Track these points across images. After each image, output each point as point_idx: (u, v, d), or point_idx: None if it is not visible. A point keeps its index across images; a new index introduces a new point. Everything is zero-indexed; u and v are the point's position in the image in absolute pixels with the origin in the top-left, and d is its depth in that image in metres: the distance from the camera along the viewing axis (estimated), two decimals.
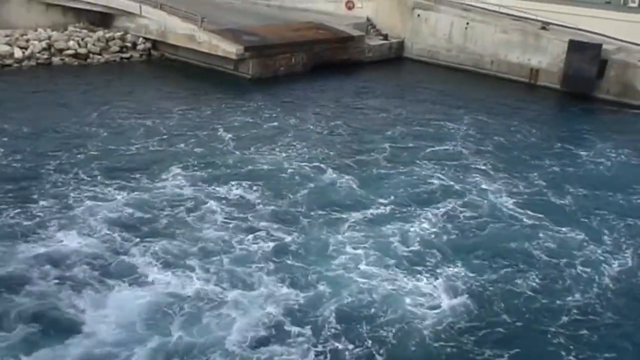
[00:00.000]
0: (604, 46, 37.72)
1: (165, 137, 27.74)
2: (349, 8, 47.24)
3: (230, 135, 28.44)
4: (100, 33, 40.78)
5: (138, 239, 19.22)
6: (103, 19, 42.58)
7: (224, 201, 22.10)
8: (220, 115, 31.12)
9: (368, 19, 46.44)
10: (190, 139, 27.68)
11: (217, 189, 23.03)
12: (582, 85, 37.91)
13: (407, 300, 17.06)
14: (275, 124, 30.56)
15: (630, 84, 37.10)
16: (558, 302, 17.44)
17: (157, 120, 29.76)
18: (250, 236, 19.86)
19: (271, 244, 19.48)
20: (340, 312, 16.36)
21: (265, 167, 25.32)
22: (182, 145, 26.93)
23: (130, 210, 20.95)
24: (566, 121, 35.18)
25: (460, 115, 33.75)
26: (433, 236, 20.61)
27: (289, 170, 25.11)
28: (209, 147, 27.06)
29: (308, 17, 45.11)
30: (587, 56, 37.60)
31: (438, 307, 16.89)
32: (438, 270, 18.57)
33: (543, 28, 40.95)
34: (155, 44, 41.12)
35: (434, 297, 17.26)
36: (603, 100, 37.55)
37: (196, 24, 38.77)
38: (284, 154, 26.72)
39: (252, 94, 35.09)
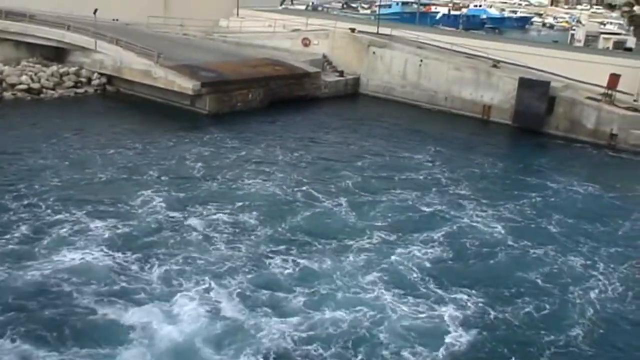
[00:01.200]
0: (552, 83, 38.90)
1: (129, 166, 28.06)
2: (306, 45, 47.83)
3: (194, 165, 28.91)
4: (54, 68, 40.44)
5: (126, 263, 19.92)
6: (57, 54, 42.27)
7: (201, 225, 22.88)
8: (181, 148, 31.31)
9: (324, 56, 47.07)
10: (154, 169, 27.96)
11: (193, 212, 23.95)
12: (532, 121, 38.94)
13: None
14: (239, 154, 31.17)
15: (578, 120, 38.23)
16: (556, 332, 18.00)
17: (116, 152, 29.83)
18: (232, 260, 20.54)
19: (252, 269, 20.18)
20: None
21: (237, 194, 26.12)
22: (147, 175, 27.22)
23: (111, 237, 21.47)
24: (523, 155, 36.01)
25: (419, 148, 34.55)
26: (412, 264, 21.21)
27: (261, 197, 25.95)
28: (174, 176, 27.45)
29: (265, 54, 45.49)
30: (536, 93, 38.70)
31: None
32: (425, 297, 19.21)
33: (494, 66, 42.07)
34: (110, 79, 40.91)
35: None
36: (552, 136, 38.60)
37: (152, 60, 38.74)
38: (252, 182, 27.40)
39: (211, 128, 35.22)
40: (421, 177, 30.03)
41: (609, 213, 27.23)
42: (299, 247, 21.81)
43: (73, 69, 40.66)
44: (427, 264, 21.22)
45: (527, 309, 18.96)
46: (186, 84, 37.12)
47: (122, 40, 40.59)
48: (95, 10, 40.80)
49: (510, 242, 23.43)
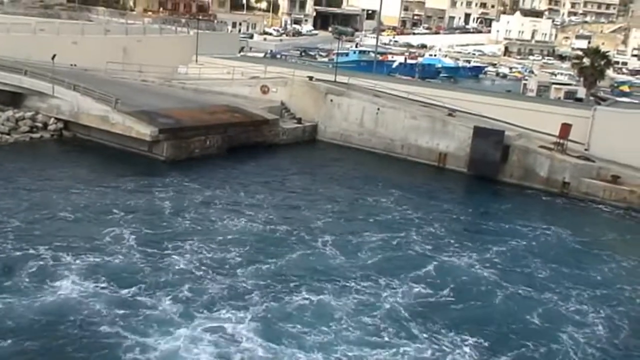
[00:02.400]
0: (507, 132, 39.83)
1: (91, 207, 28.44)
2: (264, 92, 48.18)
3: (158, 206, 29.42)
4: (9, 113, 39.91)
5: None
6: (14, 98, 41.75)
7: (177, 266, 23.64)
8: (141, 191, 31.51)
9: (282, 103, 47.47)
10: (118, 209, 28.33)
11: (166, 252, 24.69)
12: (487, 169, 39.68)
13: None
14: (202, 196, 31.78)
15: (531, 169, 39.13)
16: None
17: (76, 195, 29.85)
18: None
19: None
20: None
21: (206, 232, 26.99)
22: (111, 214, 27.67)
23: (83, 272, 22.08)
24: (481, 201, 36.73)
25: (382, 193, 35.27)
26: (390, 306, 22.01)
27: (232, 236, 26.83)
28: (140, 216, 27.85)
29: (224, 100, 45.66)
30: (491, 142, 39.53)
31: None
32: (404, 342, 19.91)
33: (450, 114, 42.94)
34: (67, 124, 40.51)
35: None
36: (507, 183, 39.40)
37: (110, 105, 38.55)
38: (219, 222, 28.34)
39: (170, 172, 35.24)
40: (389, 219, 31.12)
41: (574, 255, 28.86)
42: (281, 283, 22.78)
43: (29, 114, 40.18)
44: (410, 304, 22.26)
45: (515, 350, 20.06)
46: (144, 130, 36.98)
47: (80, 85, 40.34)
48: (54, 56, 40.55)
49: (493, 284, 24.75)
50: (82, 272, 22.17)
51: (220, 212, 29.76)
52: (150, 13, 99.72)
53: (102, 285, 21.47)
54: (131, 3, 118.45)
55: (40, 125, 40.09)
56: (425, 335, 20.31)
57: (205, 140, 39.38)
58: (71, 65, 46.34)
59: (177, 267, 23.45)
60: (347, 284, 23.38)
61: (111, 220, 27.14)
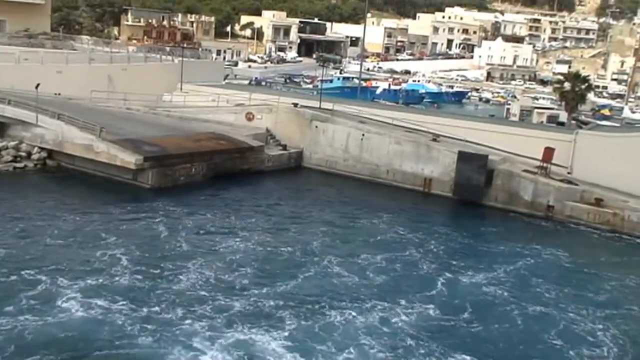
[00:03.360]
0: (491, 157, 40.11)
1: (80, 233, 28.58)
2: (249, 119, 48.30)
3: (148, 230, 29.65)
4: None
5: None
6: None
7: (185, 286, 24.20)
8: (128, 217, 31.65)
9: (268, 130, 47.57)
10: (109, 234, 28.54)
11: (169, 273, 25.16)
12: (472, 193, 39.87)
13: None
14: (192, 222, 31.93)
15: (516, 192, 39.38)
16: None
17: (63, 221, 29.94)
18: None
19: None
20: None
21: (203, 255, 27.33)
22: (102, 240, 27.92)
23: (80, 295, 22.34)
24: (470, 225, 36.85)
25: (371, 217, 35.73)
26: (412, 324, 22.84)
27: (230, 258, 27.32)
28: (132, 241, 27.92)
29: (209, 128, 45.71)
30: (475, 166, 39.76)
31: None
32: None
33: (434, 140, 43.19)
34: (51, 153, 40.34)
35: None
36: (492, 207, 39.61)
37: (94, 134, 38.47)
38: (217, 246, 28.67)
39: (156, 200, 35.22)
40: (384, 241, 31.93)
41: (573, 276, 29.90)
42: (303, 303, 23.45)
43: (12, 144, 40.00)
44: (429, 323, 23.22)
45: None
46: (129, 158, 36.89)
47: (64, 114, 40.25)
48: (37, 85, 40.47)
49: (504, 304, 25.69)
50: (87, 293, 22.58)
51: (215, 235, 30.10)
52: (134, 41, 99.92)
53: (110, 304, 21.97)
54: (116, 32, 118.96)
55: (24, 154, 39.90)
56: (454, 352, 21.13)
57: (191, 167, 39.35)
58: (55, 94, 46.26)
59: (185, 287, 24.03)
60: (366, 303, 24.19)
61: (104, 245, 27.40)
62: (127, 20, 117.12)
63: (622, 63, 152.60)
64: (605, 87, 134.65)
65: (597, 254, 33.82)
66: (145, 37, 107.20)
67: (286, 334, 21.24)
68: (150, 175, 37.36)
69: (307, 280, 25.97)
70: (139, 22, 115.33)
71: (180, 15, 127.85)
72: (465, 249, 32.32)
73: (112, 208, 32.99)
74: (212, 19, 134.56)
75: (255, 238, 30.28)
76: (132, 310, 21.71)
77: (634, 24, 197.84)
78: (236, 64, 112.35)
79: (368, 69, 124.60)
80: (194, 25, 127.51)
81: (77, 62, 52.24)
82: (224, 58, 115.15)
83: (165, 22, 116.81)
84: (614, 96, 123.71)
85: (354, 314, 23.16)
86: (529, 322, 24.14)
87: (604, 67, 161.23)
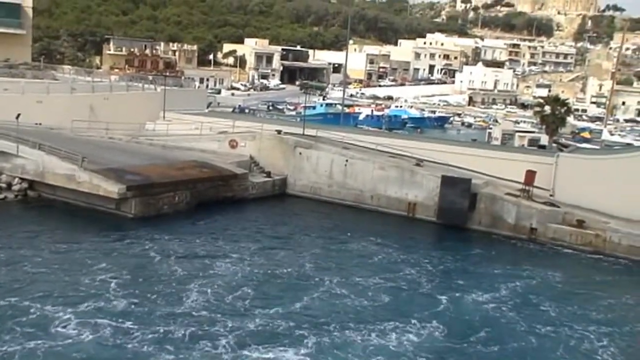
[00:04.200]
0: (474, 180, 40.30)
1: (67, 262, 28.42)
2: (233, 147, 48.28)
3: (138, 258, 29.54)
4: None
5: None
6: None
7: (187, 308, 24.24)
8: (113, 245, 31.47)
9: (251, 157, 47.53)
10: (95, 263, 28.40)
11: (166, 296, 25.17)
12: (456, 217, 39.98)
13: None
14: (179, 248, 31.84)
15: (499, 216, 39.53)
16: None
17: (48, 251, 29.76)
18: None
19: None
20: None
21: (195, 280, 27.39)
22: (89, 267, 27.72)
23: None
24: (455, 250, 36.66)
25: (360, 241, 35.92)
26: (422, 343, 23.24)
27: (225, 280, 27.38)
28: (120, 267, 27.84)
29: (192, 156, 45.61)
30: (459, 190, 39.92)
31: None
32: None
33: (418, 164, 43.36)
34: (32, 184, 39.98)
35: None
36: (476, 231, 39.72)
37: (76, 164, 38.21)
38: (211, 270, 28.70)
39: (139, 228, 34.98)
40: (376, 263, 32.29)
41: (567, 296, 30.04)
42: (313, 325, 23.63)
43: None
44: (439, 342, 23.78)
45: None
46: (111, 188, 36.64)
47: (45, 144, 39.99)
48: (18, 115, 40.25)
49: (507, 324, 26.17)
50: (83, 318, 22.60)
51: (207, 258, 30.16)
52: (117, 70, 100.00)
53: (117, 324, 22.21)
54: (97, 61, 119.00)
55: (4, 185, 39.51)
56: None
57: (174, 196, 39.14)
58: (36, 124, 46.01)
59: (189, 308, 24.15)
60: (375, 324, 24.44)
61: (93, 271, 27.34)
62: (109, 50, 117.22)
63: (600, 86, 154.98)
64: (584, 110, 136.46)
65: (587, 274, 34.10)
66: (128, 66, 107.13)
67: (305, 350, 21.70)
68: (134, 205, 37.09)
69: (312, 301, 26.29)
70: (121, 51, 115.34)
71: (162, 43, 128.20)
72: (458, 271, 32.56)
73: (96, 237, 32.79)
74: (195, 47, 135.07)
75: (248, 260, 30.53)
76: (139, 330, 21.85)
77: (610, 48, 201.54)
78: (219, 92, 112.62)
79: (351, 95, 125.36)
80: (177, 53, 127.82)
81: (58, 92, 52.13)
82: (207, 86, 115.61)
83: (147, 51, 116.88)
84: (593, 119, 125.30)
85: (366, 333, 23.57)
86: (533, 340, 24.59)
87: (583, 90, 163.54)
